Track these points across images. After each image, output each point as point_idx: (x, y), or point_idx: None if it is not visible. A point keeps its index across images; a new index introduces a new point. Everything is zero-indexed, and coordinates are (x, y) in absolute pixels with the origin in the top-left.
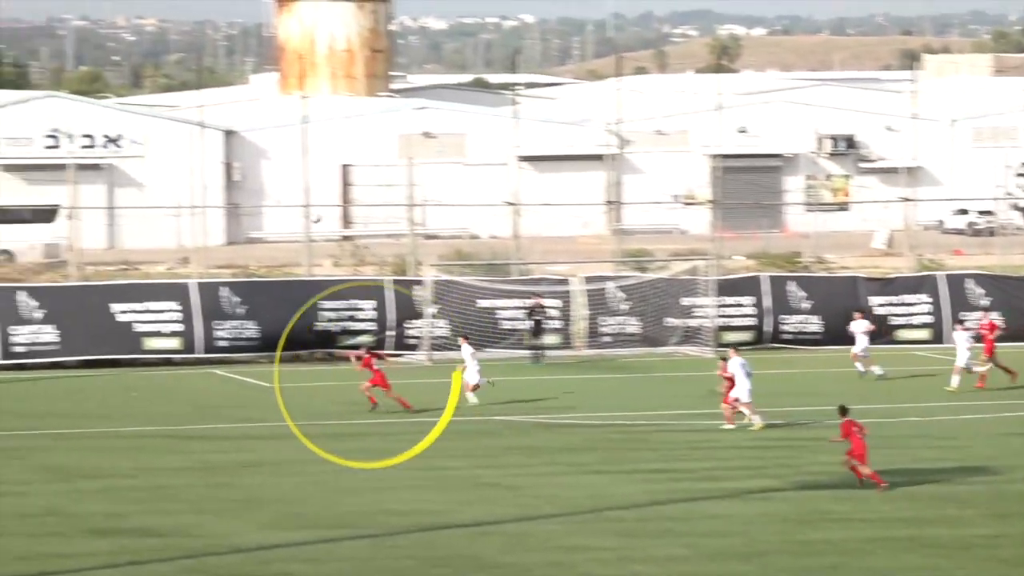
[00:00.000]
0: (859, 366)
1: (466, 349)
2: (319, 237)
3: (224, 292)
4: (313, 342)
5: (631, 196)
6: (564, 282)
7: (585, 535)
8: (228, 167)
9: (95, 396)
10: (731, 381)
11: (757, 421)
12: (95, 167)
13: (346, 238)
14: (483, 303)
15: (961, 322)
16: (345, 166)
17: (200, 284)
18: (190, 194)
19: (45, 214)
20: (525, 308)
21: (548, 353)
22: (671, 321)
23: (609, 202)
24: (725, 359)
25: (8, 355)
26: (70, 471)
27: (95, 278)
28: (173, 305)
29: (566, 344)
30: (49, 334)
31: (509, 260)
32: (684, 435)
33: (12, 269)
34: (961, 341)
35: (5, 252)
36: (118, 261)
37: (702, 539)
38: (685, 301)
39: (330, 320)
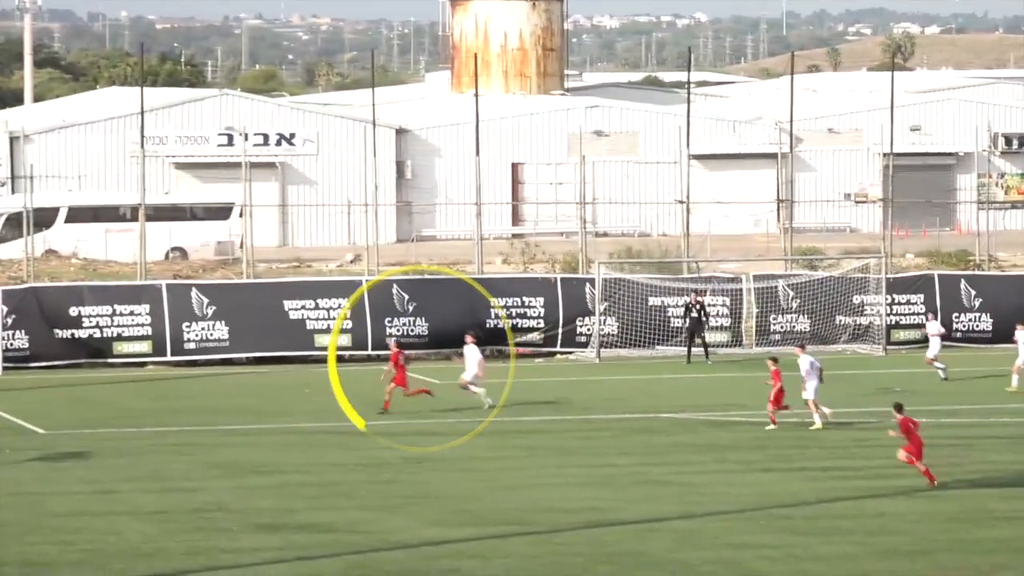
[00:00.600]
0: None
1: (470, 349)
2: (490, 235)
3: (394, 289)
4: (483, 338)
5: (802, 194)
6: (734, 280)
7: (753, 533)
8: (400, 165)
9: (266, 393)
10: (778, 384)
11: (818, 421)
12: (268, 165)
13: (516, 236)
14: (653, 301)
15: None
16: (516, 164)
17: (371, 281)
18: (362, 192)
19: (218, 212)
20: (684, 305)
21: (717, 351)
22: (841, 319)
23: (780, 200)
24: (775, 360)
25: (180, 351)
26: (240, 467)
27: (267, 275)
28: (344, 302)
29: (735, 342)
30: (220, 331)
31: (680, 258)
32: (853, 433)
33: (185, 266)
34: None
35: (178, 250)
36: (290, 258)
37: (870, 537)
38: (856, 299)
39: (500, 317)
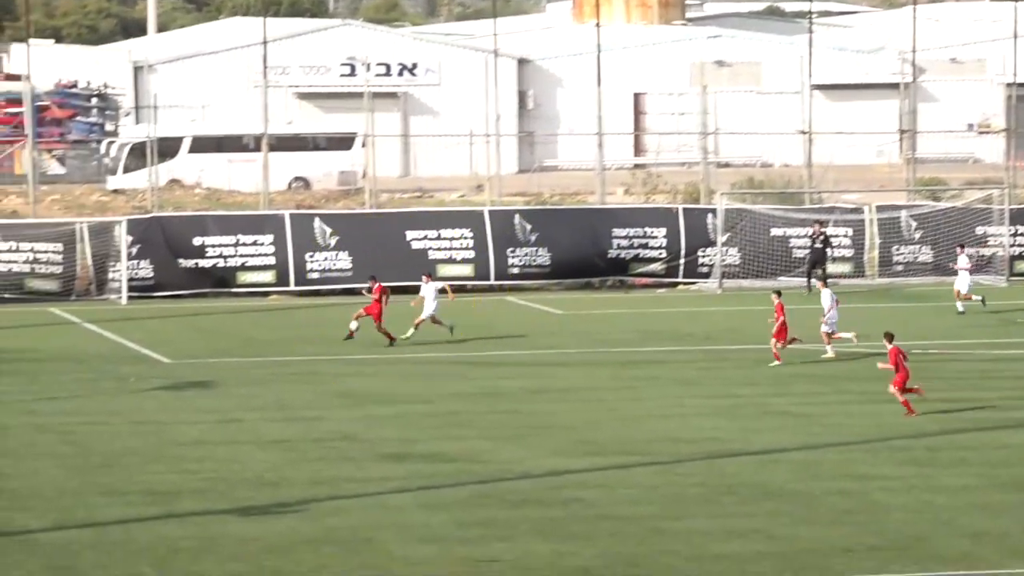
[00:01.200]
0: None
1: (427, 286)
2: (611, 165)
3: (517, 220)
4: (605, 270)
5: (925, 125)
6: (857, 211)
7: (873, 464)
8: (522, 95)
9: (389, 322)
10: (781, 319)
11: (831, 352)
12: (390, 95)
13: (638, 166)
14: (775, 231)
15: None
16: (637, 94)
17: (493, 212)
18: (484, 122)
19: (341, 142)
20: (808, 236)
21: (840, 282)
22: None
23: (903, 131)
24: (779, 293)
25: (303, 281)
26: (363, 397)
27: (389, 206)
28: (467, 232)
29: (858, 273)
30: (343, 261)
31: (802, 189)
32: (975, 364)
33: (308, 196)
34: None
35: (301, 180)
36: (412, 189)
37: (993, 469)
38: (979, 230)
39: (622, 247)
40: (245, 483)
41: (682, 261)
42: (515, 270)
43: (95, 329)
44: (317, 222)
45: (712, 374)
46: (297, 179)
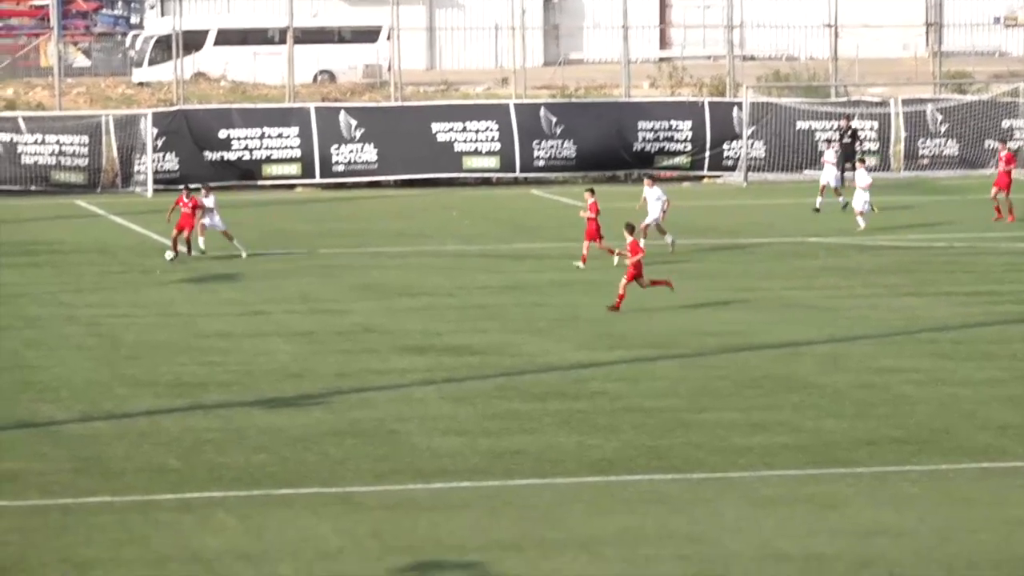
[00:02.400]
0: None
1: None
2: (637, 59)
3: (542, 112)
4: (631, 163)
5: (951, 18)
6: (883, 104)
7: (899, 357)
8: None
9: (414, 215)
10: (595, 216)
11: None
12: None
13: (663, 59)
14: (801, 124)
15: None
16: None
17: (518, 105)
18: (510, 15)
19: (366, 34)
20: (836, 130)
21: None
22: (990, 143)
23: (929, 24)
24: (592, 192)
25: (329, 173)
26: (387, 289)
27: (415, 98)
28: (492, 125)
29: (884, 166)
30: (369, 153)
31: (827, 82)
32: (1002, 258)
33: (334, 89)
34: None
35: (327, 72)
36: (438, 82)
37: (1017, 362)
38: (1005, 123)
39: (647, 140)
40: (271, 375)
41: (707, 154)
42: (540, 163)
43: (121, 221)
44: (342, 115)
45: (737, 267)
46: (322, 72)
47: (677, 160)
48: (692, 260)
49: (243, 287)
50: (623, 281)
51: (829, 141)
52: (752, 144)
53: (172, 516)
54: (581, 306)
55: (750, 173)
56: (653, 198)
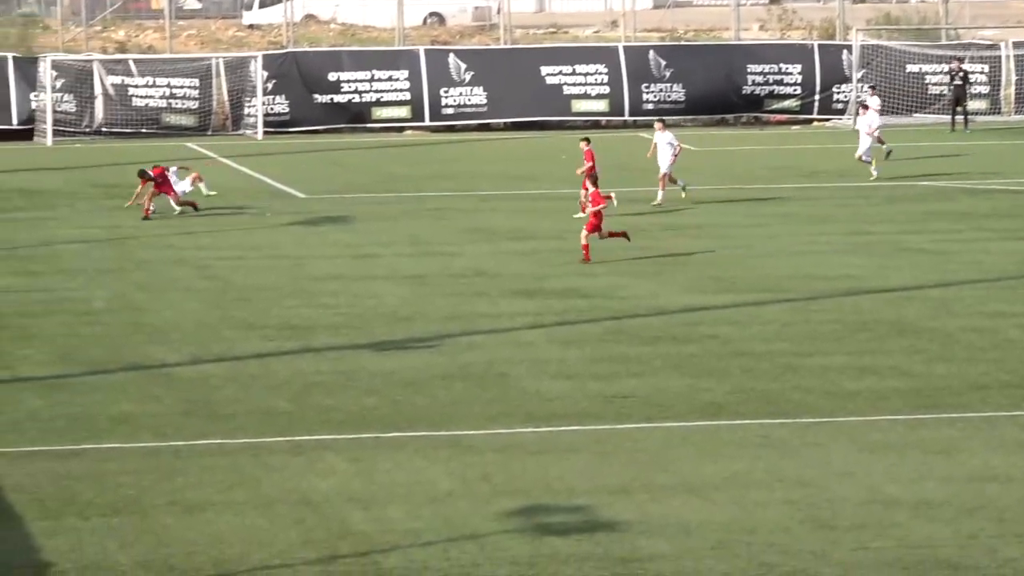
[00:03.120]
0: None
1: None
2: (746, 1)
3: (651, 56)
4: (740, 106)
5: None
6: (993, 47)
7: (1010, 301)
8: None
9: (523, 158)
10: (591, 167)
11: (660, 197)
12: None
13: (773, 2)
14: (911, 68)
15: None
16: None
17: (627, 47)
18: None
19: None
20: (946, 73)
21: (976, 119)
22: None
23: None
24: (588, 140)
25: (438, 116)
26: (497, 233)
27: (524, 41)
28: (601, 68)
29: (994, 109)
30: (478, 96)
31: (938, 25)
32: None
33: (443, 32)
34: None
35: (436, 15)
36: (546, 24)
37: None
38: None
39: (757, 84)
40: (380, 318)
41: (817, 98)
42: (649, 106)
43: (231, 164)
44: (452, 57)
45: (846, 211)
46: (432, 14)
47: (786, 103)
48: (801, 203)
49: (352, 230)
50: (584, 232)
51: (874, 88)
52: (861, 87)
53: (282, 459)
54: (690, 249)
55: (858, 116)
56: (664, 143)
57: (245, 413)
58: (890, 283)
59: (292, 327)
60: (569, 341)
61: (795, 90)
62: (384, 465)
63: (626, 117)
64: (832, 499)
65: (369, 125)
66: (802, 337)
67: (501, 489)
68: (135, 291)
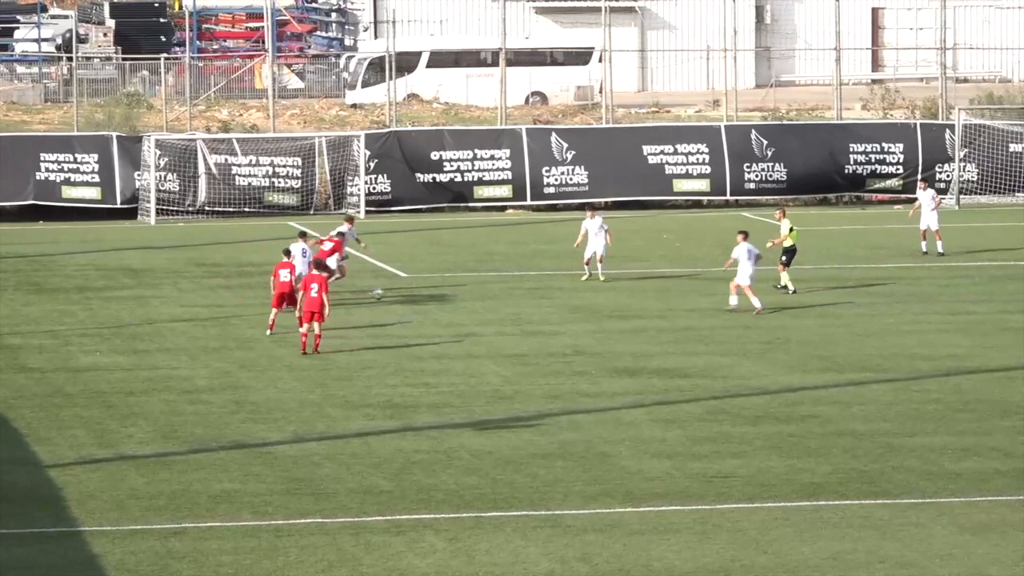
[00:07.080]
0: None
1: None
2: (849, 80)
3: (753, 135)
4: (842, 185)
5: None
6: None
7: None
8: (759, 10)
9: (625, 237)
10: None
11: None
12: (628, 10)
13: (875, 81)
14: (1014, 147)
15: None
16: (875, 8)
17: (729, 127)
18: (721, 37)
19: (578, 57)
20: None
21: None
22: None
23: None
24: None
25: (540, 196)
26: (598, 311)
27: (626, 120)
28: (703, 148)
29: None
30: (580, 175)
31: None
32: None
33: (545, 111)
34: None
35: (538, 94)
36: (649, 103)
37: None
38: None
39: (859, 163)
40: (481, 396)
41: (919, 177)
42: (751, 185)
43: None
44: (554, 136)
45: (950, 291)
46: (534, 94)
47: (889, 183)
48: (905, 283)
49: (455, 308)
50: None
51: (925, 180)
52: (964, 167)
53: (382, 538)
54: (792, 329)
55: (962, 196)
56: (595, 229)
57: (346, 492)
58: (993, 363)
59: (394, 406)
60: (670, 420)
61: (897, 169)
62: (483, 545)
63: (728, 196)
64: None
65: (471, 204)
66: (904, 417)
67: (601, 570)
68: (238, 369)
